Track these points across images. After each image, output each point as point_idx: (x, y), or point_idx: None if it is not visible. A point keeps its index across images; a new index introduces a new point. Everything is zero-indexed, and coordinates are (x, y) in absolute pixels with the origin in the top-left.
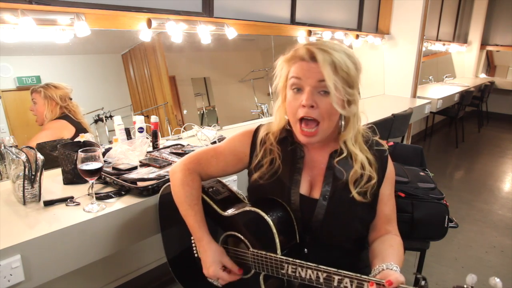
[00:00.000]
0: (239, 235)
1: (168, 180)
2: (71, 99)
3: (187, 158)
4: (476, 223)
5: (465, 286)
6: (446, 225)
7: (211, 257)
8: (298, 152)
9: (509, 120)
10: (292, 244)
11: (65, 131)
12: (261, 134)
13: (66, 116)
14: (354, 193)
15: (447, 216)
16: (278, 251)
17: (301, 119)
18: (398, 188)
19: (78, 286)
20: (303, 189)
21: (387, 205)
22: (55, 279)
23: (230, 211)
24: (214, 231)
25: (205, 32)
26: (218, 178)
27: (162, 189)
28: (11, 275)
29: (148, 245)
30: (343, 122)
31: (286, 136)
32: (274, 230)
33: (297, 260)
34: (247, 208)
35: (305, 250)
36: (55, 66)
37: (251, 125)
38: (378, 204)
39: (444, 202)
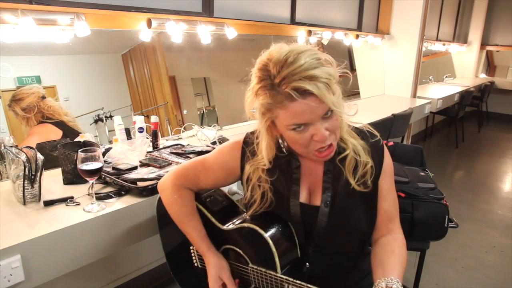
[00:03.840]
0: (238, 250)
1: None
2: (44, 97)
3: (174, 174)
4: (476, 223)
5: None
6: (446, 225)
7: (211, 272)
8: (293, 162)
9: (509, 120)
10: (292, 259)
11: (52, 133)
12: (248, 169)
13: (45, 120)
14: (354, 184)
15: (447, 216)
16: (278, 270)
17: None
18: (398, 188)
19: (78, 286)
20: (303, 198)
21: (387, 200)
22: (55, 279)
23: (229, 225)
24: (213, 243)
25: (205, 32)
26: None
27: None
28: (11, 275)
29: (148, 245)
30: None
31: (277, 155)
32: (274, 250)
33: (298, 281)
34: (246, 225)
35: (307, 264)
36: (55, 66)
37: (251, 125)
38: (378, 199)
39: (444, 202)
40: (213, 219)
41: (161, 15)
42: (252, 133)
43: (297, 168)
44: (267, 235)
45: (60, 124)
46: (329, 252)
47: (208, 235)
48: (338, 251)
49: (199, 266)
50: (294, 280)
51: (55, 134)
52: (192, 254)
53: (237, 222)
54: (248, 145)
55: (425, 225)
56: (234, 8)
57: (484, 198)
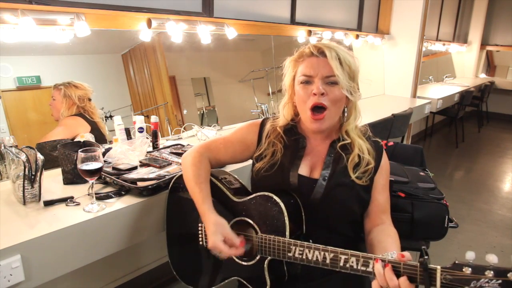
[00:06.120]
0: (248, 220)
1: (173, 178)
2: (90, 100)
3: (199, 145)
4: (476, 223)
5: (468, 262)
6: (446, 225)
7: (212, 229)
8: (300, 142)
9: (509, 120)
10: (299, 233)
11: (81, 128)
12: (268, 127)
13: (82, 114)
14: (353, 177)
15: (447, 216)
16: (287, 234)
17: (312, 108)
18: (398, 188)
19: (78, 286)
20: (303, 171)
21: (381, 194)
22: (55, 279)
23: (242, 197)
24: (224, 217)
25: (205, 32)
26: (230, 172)
27: (173, 180)
28: (11, 275)
29: (148, 245)
30: (346, 114)
31: (291, 128)
32: (285, 213)
33: (305, 242)
34: (260, 193)
35: (310, 241)
36: (55, 66)
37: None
38: (373, 192)
39: (444, 202)
40: (227, 192)
41: (161, 15)
42: (269, 118)
43: (302, 148)
44: (280, 200)
45: (92, 123)
46: (322, 225)
47: (221, 207)
48: (331, 227)
49: (205, 244)
50: (302, 242)
51: (84, 128)
52: (200, 232)
53: (250, 195)
54: (267, 120)
55: (425, 225)
56: (234, 8)
57: (484, 198)
